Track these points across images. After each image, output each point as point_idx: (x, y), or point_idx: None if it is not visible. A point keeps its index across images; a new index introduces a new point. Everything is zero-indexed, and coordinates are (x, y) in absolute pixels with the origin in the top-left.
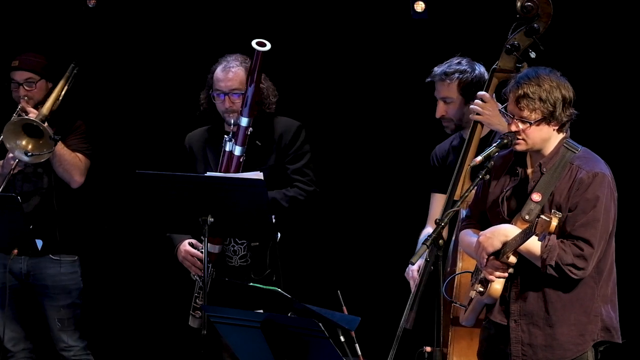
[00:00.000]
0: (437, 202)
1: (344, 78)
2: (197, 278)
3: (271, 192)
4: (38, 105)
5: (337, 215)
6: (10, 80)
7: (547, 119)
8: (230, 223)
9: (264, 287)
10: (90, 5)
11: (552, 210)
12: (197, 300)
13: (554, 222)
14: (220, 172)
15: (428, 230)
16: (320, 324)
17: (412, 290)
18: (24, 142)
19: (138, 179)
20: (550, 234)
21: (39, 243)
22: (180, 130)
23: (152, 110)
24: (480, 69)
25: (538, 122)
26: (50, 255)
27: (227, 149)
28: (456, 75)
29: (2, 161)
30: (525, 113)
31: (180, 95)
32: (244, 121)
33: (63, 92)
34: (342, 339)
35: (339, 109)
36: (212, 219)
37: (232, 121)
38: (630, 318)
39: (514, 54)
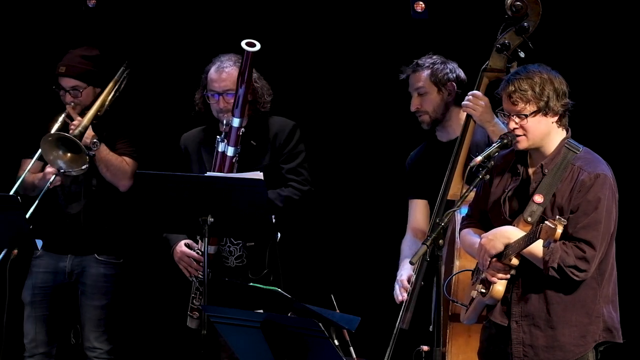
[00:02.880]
0: (416, 208)
1: (344, 78)
2: (194, 279)
3: None
4: (85, 111)
5: (333, 216)
6: (58, 84)
7: (543, 109)
8: (230, 223)
9: (264, 287)
10: (90, 5)
11: (557, 217)
12: (194, 301)
13: (559, 230)
14: (214, 172)
15: (409, 237)
16: (320, 324)
17: (400, 296)
18: (62, 155)
19: (138, 179)
20: (555, 241)
21: (39, 243)
22: (178, 130)
23: (150, 111)
24: (452, 64)
25: (534, 114)
26: (96, 255)
27: (220, 149)
28: (427, 65)
29: (41, 173)
30: (520, 106)
31: (177, 95)
32: (235, 122)
33: (110, 97)
34: (336, 342)
35: (338, 109)
36: (212, 219)
37: (225, 121)
38: (631, 318)
39: (504, 53)
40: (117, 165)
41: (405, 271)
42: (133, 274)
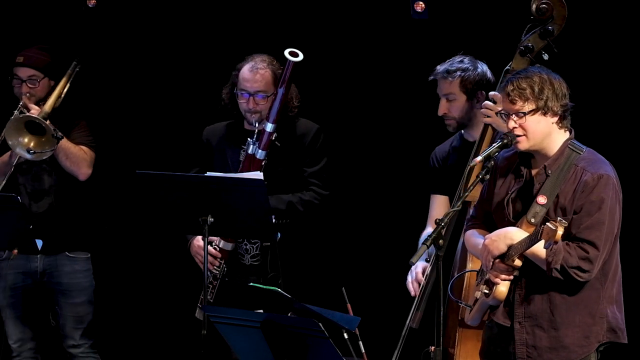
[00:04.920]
0: (438, 203)
1: (343, 78)
2: (208, 273)
3: (287, 195)
4: (40, 103)
5: (342, 215)
6: (13, 75)
7: (542, 109)
8: (230, 223)
9: (264, 287)
10: (90, 5)
11: (559, 218)
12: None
13: (560, 232)
14: (239, 172)
15: (428, 231)
16: (320, 324)
17: (414, 290)
18: (26, 140)
19: (138, 179)
20: (555, 242)
21: (39, 243)
22: (187, 127)
23: (155, 108)
24: (482, 67)
25: (532, 112)
26: (67, 253)
27: (250, 151)
28: (458, 72)
29: (6, 158)
30: (519, 104)
31: (180, 94)
32: (269, 127)
33: (65, 90)
34: (345, 336)
35: (338, 109)
36: (212, 219)
37: (255, 121)
38: (635, 318)
39: (528, 55)
40: (76, 153)
41: (421, 263)
42: (138, 272)
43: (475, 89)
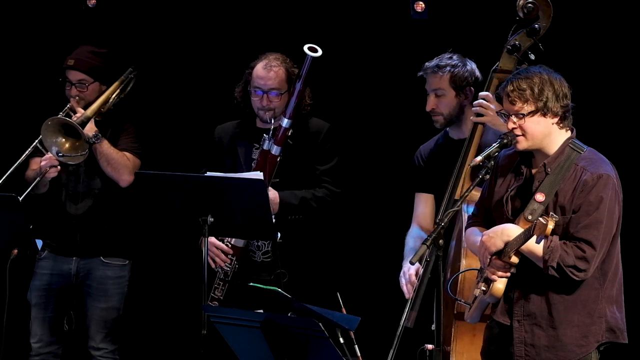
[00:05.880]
0: (422, 202)
1: (342, 78)
2: (219, 269)
3: (300, 191)
4: (89, 106)
5: (337, 215)
6: (64, 77)
7: (541, 110)
8: (230, 223)
9: (264, 287)
10: (90, 5)
11: (550, 213)
12: (216, 292)
13: (550, 226)
14: (255, 170)
15: (415, 230)
16: (320, 324)
17: (409, 292)
18: (62, 141)
19: (138, 179)
20: (546, 236)
21: (39, 243)
22: (198, 126)
23: (166, 108)
24: (471, 64)
25: (532, 114)
26: (101, 258)
27: (265, 147)
28: (448, 68)
29: (39, 160)
30: (518, 105)
31: (191, 93)
32: (285, 122)
33: (114, 96)
34: (341, 340)
35: (337, 109)
36: (212, 219)
37: (268, 119)
38: (634, 318)
39: (515, 54)
40: (118, 159)
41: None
42: (138, 274)
43: (464, 85)
